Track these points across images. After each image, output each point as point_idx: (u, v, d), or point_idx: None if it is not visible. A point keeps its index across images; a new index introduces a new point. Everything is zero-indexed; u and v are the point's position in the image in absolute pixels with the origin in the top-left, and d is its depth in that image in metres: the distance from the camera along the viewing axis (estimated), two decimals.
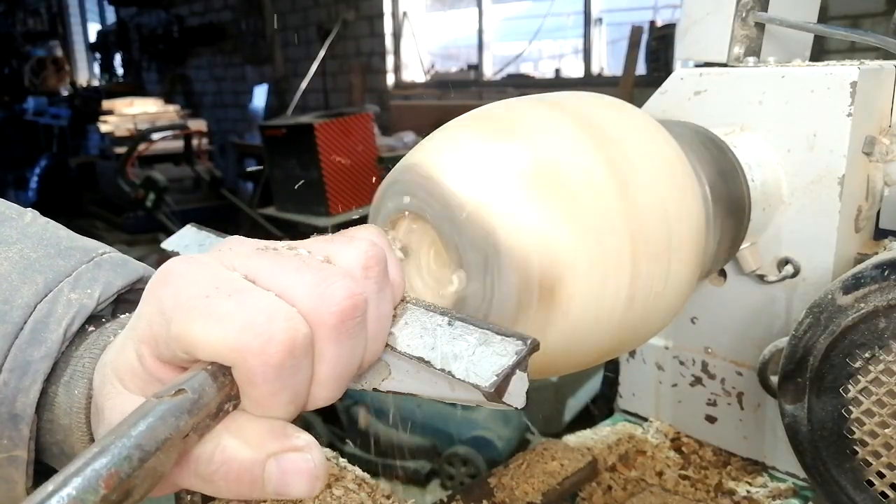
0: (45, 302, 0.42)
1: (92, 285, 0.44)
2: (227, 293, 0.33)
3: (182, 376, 0.33)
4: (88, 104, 7.57)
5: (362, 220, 0.47)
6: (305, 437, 0.34)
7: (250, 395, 0.33)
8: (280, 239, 0.49)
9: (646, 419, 0.89)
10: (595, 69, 4.64)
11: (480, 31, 5.22)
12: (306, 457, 0.33)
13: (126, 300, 0.46)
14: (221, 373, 0.33)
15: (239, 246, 0.37)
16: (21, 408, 0.41)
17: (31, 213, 0.49)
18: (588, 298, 0.42)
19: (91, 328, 0.43)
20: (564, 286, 0.41)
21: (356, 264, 0.36)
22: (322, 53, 5.62)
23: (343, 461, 0.60)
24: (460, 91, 5.21)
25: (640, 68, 4.06)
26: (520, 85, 4.82)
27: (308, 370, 0.34)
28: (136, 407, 0.32)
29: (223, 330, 0.32)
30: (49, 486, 0.28)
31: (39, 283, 0.43)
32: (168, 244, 0.53)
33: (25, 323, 0.41)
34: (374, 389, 0.39)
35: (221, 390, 0.33)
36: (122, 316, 0.45)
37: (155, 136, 5.54)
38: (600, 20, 4.63)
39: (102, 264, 0.45)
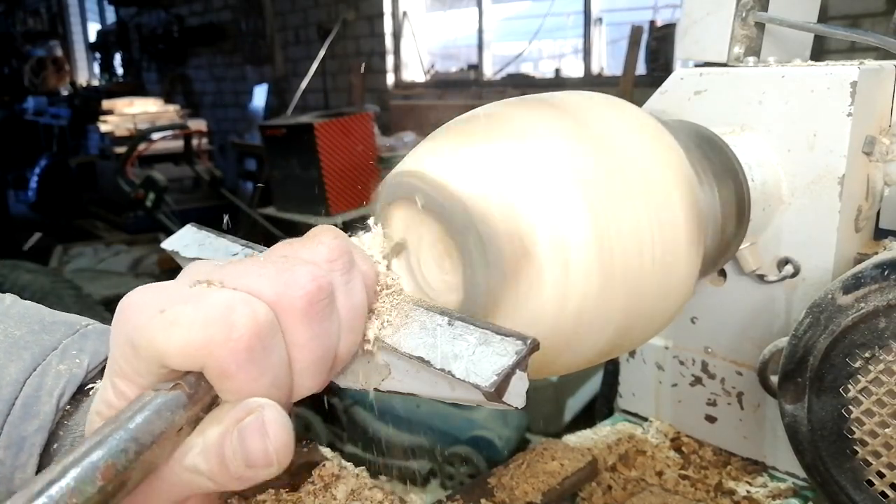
0: (33, 376, 0.43)
1: (80, 355, 0.44)
2: (182, 301, 0.33)
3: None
4: (88, 104, 7.56)
5: (363, 220, 0.47)
6: (259, 399, 0.33)
7: (230, 389, 0.33)
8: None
9: (646, 419, 0.89)
10: (595, 69, 4.64)
11: (480, 31, 5.21)
12: (258, 416, 0.32)
13: None
14: (198, 383, 0.32)
15: (200, 265, 0.37)
16: (20, 484, 0.41)
17: (10, 297, 0.49)
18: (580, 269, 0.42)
19: (84, 397, 0.43)
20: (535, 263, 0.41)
21: (319, 258, 0.36)
22: (322, 53, 5.62)
23: (343, 461, 0.60)
24: (460, 91, 5.21)
25: (640, 68, 4.05)
26: (520, 85, 4.81)
27: (282, 351, 0.34)
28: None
29: (186, 331, 0.31)
30: (46, 475, 0.28)
31: (26, 359, 0.43)
32: (168, 244, 0.53)
33: (16, 399, 0.42)
34: (375, 389, 0.39)
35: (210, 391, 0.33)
36: None
37: (155, 136, 5.54)
38: (600, 20, 4.62)
39: (88, 335, 0.46)
